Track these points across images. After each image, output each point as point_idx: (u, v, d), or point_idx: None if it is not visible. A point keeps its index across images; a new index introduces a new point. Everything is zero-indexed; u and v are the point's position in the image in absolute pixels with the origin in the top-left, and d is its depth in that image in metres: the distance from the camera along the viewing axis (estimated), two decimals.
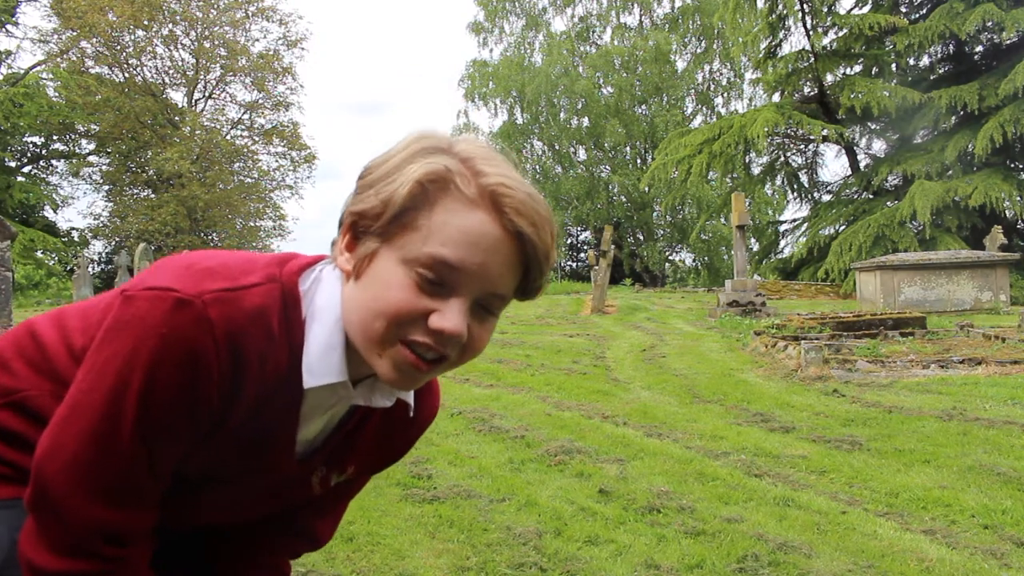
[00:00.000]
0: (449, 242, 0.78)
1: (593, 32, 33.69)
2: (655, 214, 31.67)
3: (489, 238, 0.79)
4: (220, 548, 1.13)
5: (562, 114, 31.89)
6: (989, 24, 17.59)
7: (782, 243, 22.96)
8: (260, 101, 30.45)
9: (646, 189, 28.56)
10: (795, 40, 33.59)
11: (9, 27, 25.06)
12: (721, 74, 32.76)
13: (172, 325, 0.78)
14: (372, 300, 0.80)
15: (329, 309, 0.87)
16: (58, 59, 25.72)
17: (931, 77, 19.60)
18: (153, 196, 28.48)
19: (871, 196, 19.57)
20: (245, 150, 30.56)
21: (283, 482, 0.99)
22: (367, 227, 0.81)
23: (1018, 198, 16.08)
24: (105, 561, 0.85)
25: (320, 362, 0.86)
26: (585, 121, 31.95)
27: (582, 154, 33.18)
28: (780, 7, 19.53)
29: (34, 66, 25.34)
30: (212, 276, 0.82)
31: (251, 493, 0.99)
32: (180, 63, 29.45)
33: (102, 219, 29.27)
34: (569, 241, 35.37)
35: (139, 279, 0.83)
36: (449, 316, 0.79)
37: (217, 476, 0.94)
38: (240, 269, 0.85)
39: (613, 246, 15.32)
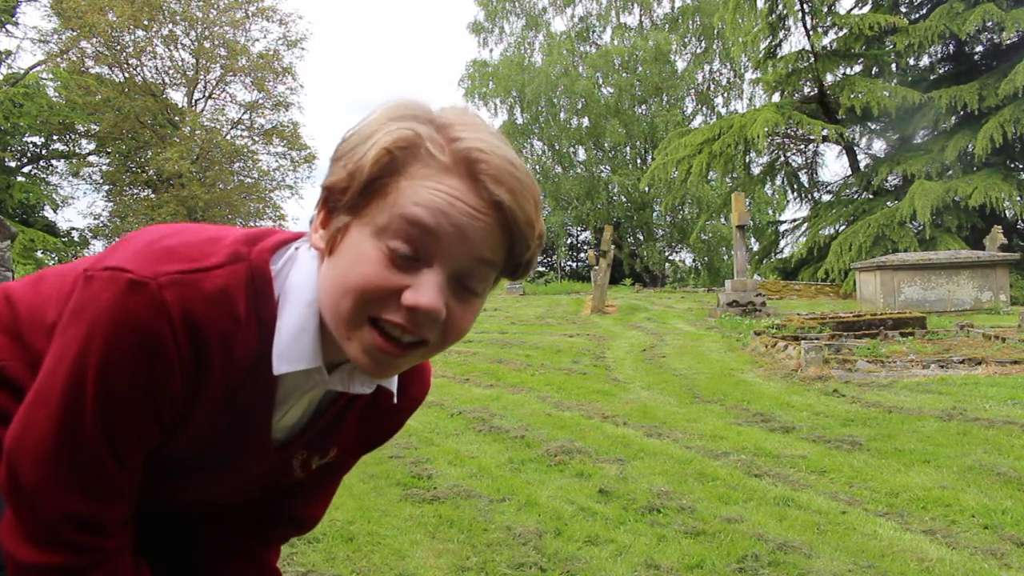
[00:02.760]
0: (422, 203, 0.72)
1: (593, 32, 33.70)
2: (655, 214, 31.67)
3: (465, 205, 0.73)
4: (205, 538, 1.11)
5: (562, 114, 31.89)
6: (989, 24, 17.59)
7: (782, 243, 22.97)
8: (260, 101, 30.49)
9: (646, 189, 28.56)
10: (795, 40, 33.61)
11: (9, 27, 25.05)
12: (721, 74, 32.78)
13: (125, 309, 0.74)
14: (340, 277, 0.75)
15: (303, 289, 0.82)
16: (58, 59, 25.72)
17: (931, 77, 19.60)
18: (153, 196, 28.51)
19: (871, 196, 19.57)
20: (245, 150, 30.58)
21: (263, 468, 0.96)
22: (337, 201, 0.77)
23: (1018, 198, 16.08)
24: (82, 552, 0.83)
25: (291, 347, 0.81)
26: (585, 121, 31.95)
27: (582, 154, 33.20)
28: (780, 7, 19.53)
29: (34, 66, 25.33)
30: (171, 257, 0.77)
31: (230, 480, 0.97)
32: (180, 63, 29.49)
33: (102, 219, 29.32)
34: (569, 241, 35.36)
35: (101, 256, 0.80)
36: (424, 291, 0.73)
37: (194, 465, 0.92)
38: (202, 250, 0.80)
39: (613, 246, 15.32)
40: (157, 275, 0.75)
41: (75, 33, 25.65)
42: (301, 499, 1.10)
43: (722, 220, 25.82)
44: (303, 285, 0.82)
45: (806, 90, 20.69)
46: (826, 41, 19.59)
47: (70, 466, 0.80)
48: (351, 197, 0.75)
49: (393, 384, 0.93)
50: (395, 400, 0.97)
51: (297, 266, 0.84)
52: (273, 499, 1.08)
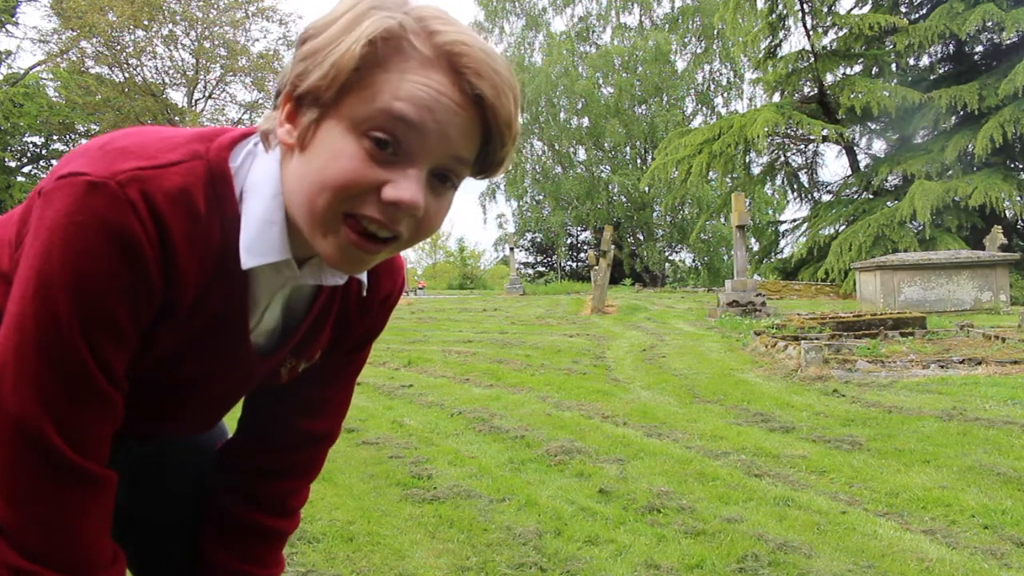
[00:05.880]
0: (407, 97, 0.71)
1: (593, 32, 33.74)
2: (655, 214, 31.70)
3: (447, 100, 0.72)
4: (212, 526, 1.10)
5: (562, 114, 31.91)
6: (989, 24, 17.60)
7: (782, 243, 23.00)
8: (260, 101, 30.48)
9: (646, 189, 28.58)
10: (795, 40, 33.84)
11: (9, 27, 25.07)
12: (721, 74, 32.82)
13: (87, 211, 0.71)
14: (317, 173, 0.73)
15: (266, 183, 0.80)
16: (58, 59, 25.73)
17: (931, 77, 19.62)
18: None
19: (871, 196, 19.59)
20: None
21: (249, 378, 0.96)
22: (314, 97, 0.73)
23: (1018, 198, 16.09)
24: (73, 483, 0.79)
25: (258, 240, 0.80)
26: (585, 121, 32.00)
27: (582, 154, 33.24)
28: (780, 7, 19.55)
29: (34, 66, 25.37)
30: (127, 155, 0.75)
31: (219, 395, 0.96)
32: (180, 63, 29.49)
33: None
34: (569, 241, 35.37)
35: (53, 170, 0.76)
36: (405, 186, 0.72)
37: (181, 382, 0.90)
38: (159, 147, 0.77)
39: (613, 246, 15.32)
40: (115, 174, 0.73)
41: (75, 33, 25.64)
42: (311, 417, 1.09)
43: (722, 220, 25.84)
44: (266, 180, 0.80)
45: (806, 90, 20.71)
46: (826, 41, 19.63)
47: (55, 379, 0.76)
48: (331, 92, 0.73)
49: (363, 275, 0.92)
50: (364, 292, 0.96)
51: (258, 161, 0.82)
52: (286, 424, 1.07)
